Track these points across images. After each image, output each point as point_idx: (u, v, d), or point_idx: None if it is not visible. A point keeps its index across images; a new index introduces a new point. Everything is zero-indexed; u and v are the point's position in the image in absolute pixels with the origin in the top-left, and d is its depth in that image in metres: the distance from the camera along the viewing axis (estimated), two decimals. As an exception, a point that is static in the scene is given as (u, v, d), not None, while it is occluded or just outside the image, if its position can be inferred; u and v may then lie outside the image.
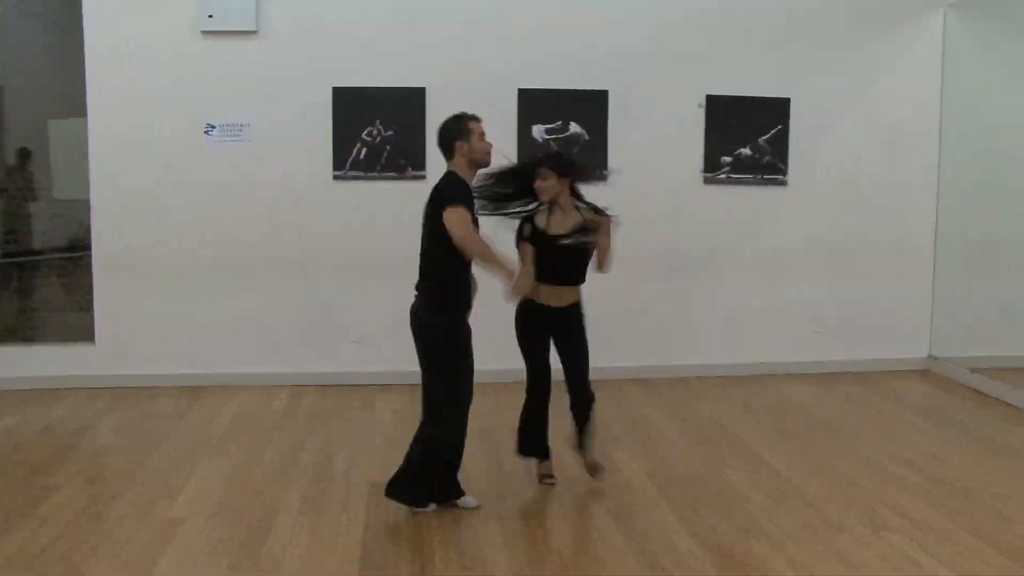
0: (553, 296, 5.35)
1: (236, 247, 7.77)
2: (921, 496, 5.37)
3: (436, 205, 4.90)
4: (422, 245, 5.04)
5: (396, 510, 5.09)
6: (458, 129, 5.02)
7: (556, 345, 5.47)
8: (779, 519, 5.03)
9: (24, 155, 8.29)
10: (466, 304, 5.08)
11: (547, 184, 5.27)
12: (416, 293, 5.08)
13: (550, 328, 5.42)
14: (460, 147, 5.00)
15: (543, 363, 5.44)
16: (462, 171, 5.02)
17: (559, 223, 5.31)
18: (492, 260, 4.93)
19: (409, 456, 5.08)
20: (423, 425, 5.10)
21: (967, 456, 6.16)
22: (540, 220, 5.34)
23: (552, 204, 5.32)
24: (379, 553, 4.59)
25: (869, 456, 6.11)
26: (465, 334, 5.05)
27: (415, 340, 5.05)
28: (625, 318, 8.07)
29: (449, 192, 4.91)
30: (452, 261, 4.92)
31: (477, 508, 5.13)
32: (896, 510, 5.15)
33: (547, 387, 5.45)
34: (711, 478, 5.53)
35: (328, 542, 4.70)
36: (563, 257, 5.32)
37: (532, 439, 5.55)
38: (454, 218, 4.81)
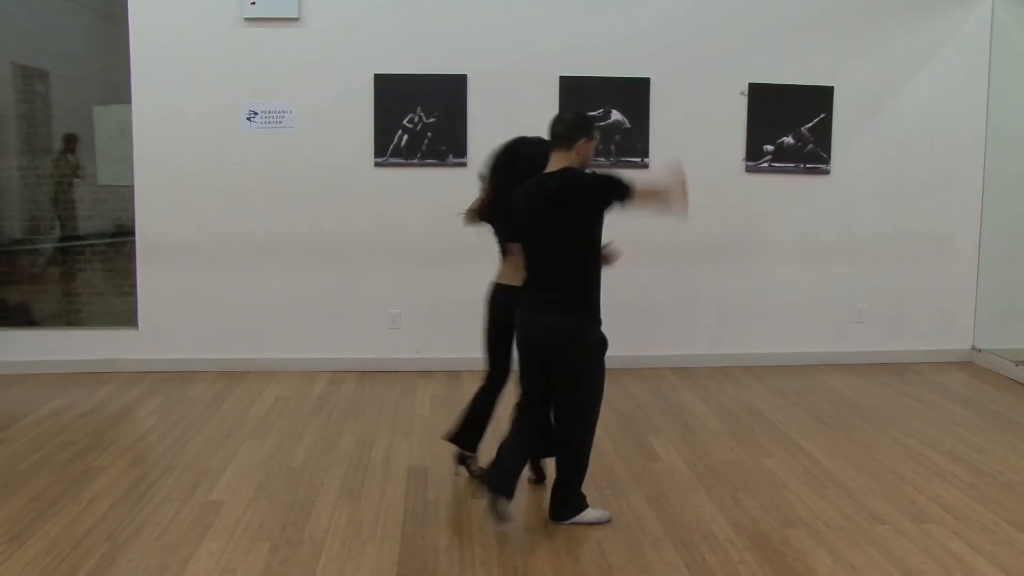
0: None
1: (277, 233, 7.83)
2: (962, 487, 5.32)
3: (592, 202, 4.52)
4: (554, 252, 4.59)
5: (436, 495, 5.15)
6: (589, 128, 4.66)
7: None
8: (818, 508, 5.00)
9: (70, 140, 8.36)
10: None
11: None
12: (545, 306, 4.60)
13: None
14: (583, 146, 4.59)
15: None
16: None
17: None
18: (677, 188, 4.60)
19: (568, 477, 4.83)
20: (571, 441, 4.79)
21: (1009, 448, 6.09)
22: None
23: None
24: (419, 538, 4.60)
25: (910, 447, 6.07)
26: None
27: (561, 355, 4.64)
28: (664, 306, 8.07)
29: (594, 179, 4.56)
30: (596, 266, 4.64)
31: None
32: (937, 501, 5.11)
33: None
34: (750, 466, 5.50)
35: (368, 526, 4.73)
36: None
37: None
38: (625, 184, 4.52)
